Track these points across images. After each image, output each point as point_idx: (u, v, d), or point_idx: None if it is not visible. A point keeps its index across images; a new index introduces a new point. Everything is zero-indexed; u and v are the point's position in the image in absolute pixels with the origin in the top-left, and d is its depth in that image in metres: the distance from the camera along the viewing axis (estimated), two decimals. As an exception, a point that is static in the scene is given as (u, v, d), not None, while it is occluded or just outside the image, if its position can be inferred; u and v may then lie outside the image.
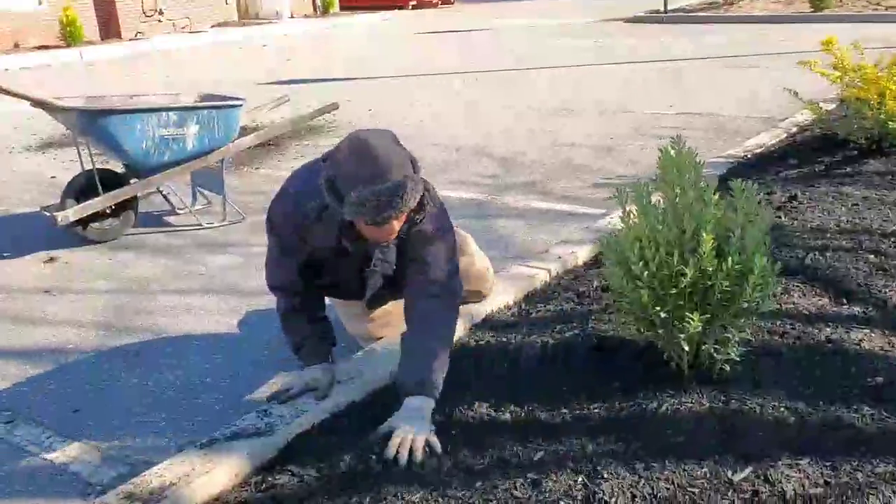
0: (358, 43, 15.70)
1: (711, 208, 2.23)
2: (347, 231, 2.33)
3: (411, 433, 2.18)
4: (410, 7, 22.94)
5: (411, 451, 2.14)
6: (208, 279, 3.97)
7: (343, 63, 12.26)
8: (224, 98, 4.78)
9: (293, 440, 2.29)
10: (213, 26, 18.42)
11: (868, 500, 1.87)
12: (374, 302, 2.78)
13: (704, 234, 2.14)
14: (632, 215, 2.33)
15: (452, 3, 24.09)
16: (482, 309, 3.06)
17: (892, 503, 1.85)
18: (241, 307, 3.59)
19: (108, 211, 4.49)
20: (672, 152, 2.30)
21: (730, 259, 2.18)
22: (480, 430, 2.24)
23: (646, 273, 2.22)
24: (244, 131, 4.87)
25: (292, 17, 20.35)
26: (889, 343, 2.58)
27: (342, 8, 22.43)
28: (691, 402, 2.27)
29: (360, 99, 8.81)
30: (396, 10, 22.20)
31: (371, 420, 2.31)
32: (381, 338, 2.87)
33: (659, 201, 2.34)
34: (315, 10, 21.56)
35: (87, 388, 2.95)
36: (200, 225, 4.71)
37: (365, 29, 18.71)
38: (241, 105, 4.62)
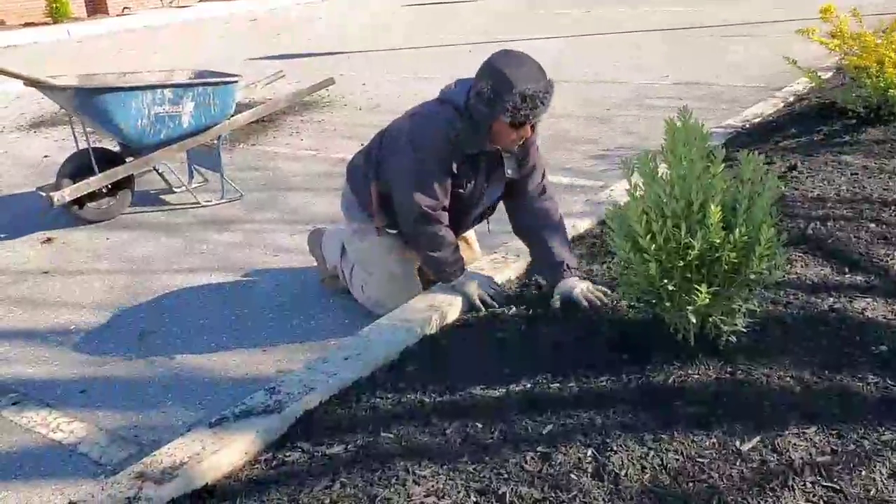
0: (349, 16, 15.54)
1: (719, 180, 2.22)
2: (483, 140, 2.73)
3: (587, 285, 2.81)
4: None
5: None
6: (210, 257, 3.96)
7: (334, 37, 12.15)
8: (219, 75, 4.74)
9: (302, 416, 2.29)
10: (199, 1, 18.20)
11: (875, 467, 1.88)
12: (476, 221, 3.09)
13: (712, 207, 2.14)
14: (638, 187, 2.32)
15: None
16: (499, 278, 3.07)
17: (899, 470, 1.87)
18: (247, 284, 3.58)
19: (104, 190, 4.46)
20: (679, 124, 2.28)
21: (737, 231, 2.18)
22: (490, 404, 2.24)
23: (653, 246, 2.22)
24: (239, 108, 4.84)
25: (281, -12, 20.08)
26: (892, 311, 2.59)
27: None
28: (698, 374, 2.28)
29: (354, 73, 8.75)
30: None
31: (379, 396, 2.32)
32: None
33: (665, 173, 2.33)
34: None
35: (93, 369, 2.95)
36: (199, 203, 4.69)
37: (353, 1, 18.51)
38: (236, 81, 4.58)
